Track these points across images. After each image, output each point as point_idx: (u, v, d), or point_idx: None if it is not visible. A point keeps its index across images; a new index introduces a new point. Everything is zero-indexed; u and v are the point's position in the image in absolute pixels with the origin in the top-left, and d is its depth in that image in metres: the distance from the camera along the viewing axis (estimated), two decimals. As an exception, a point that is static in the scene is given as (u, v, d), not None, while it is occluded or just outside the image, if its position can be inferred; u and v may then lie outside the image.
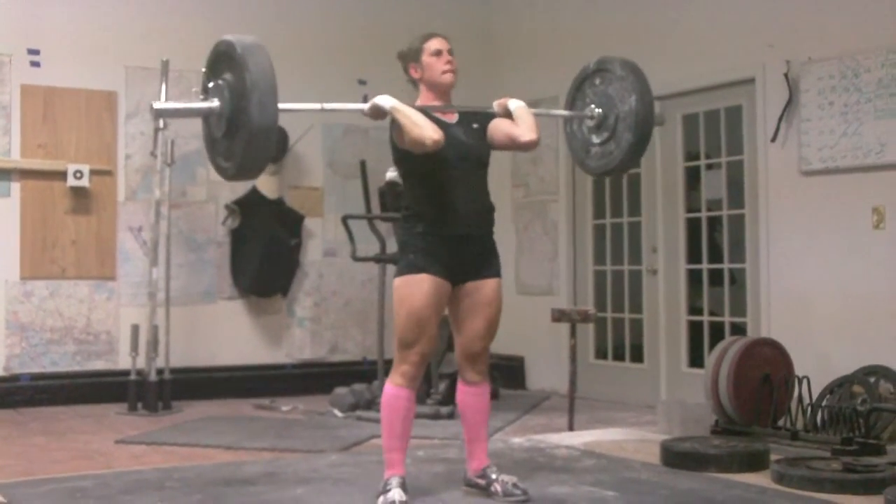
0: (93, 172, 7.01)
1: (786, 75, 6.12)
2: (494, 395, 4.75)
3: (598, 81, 4.47)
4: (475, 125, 3.98)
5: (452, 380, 6.78)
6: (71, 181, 6.92)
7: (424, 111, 3.84)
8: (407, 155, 3.82)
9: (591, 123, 4.48)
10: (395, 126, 3.79)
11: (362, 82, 7.88)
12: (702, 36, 6.73)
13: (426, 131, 3.69)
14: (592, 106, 4.46)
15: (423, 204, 3.88)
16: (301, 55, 7.65)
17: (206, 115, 3.75)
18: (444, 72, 3.92)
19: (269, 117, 3.52)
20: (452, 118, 3.96)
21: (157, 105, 3.82)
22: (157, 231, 6.82)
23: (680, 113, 6.99)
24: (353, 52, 7.93)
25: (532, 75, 7.79)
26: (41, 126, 6.97)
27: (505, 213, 7.74)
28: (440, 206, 3.85)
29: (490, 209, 3.98)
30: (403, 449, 3.84)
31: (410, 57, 3.96)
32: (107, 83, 7.18)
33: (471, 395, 4.00)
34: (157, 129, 6.86)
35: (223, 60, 3.67)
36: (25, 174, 6.89)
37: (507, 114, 4.04)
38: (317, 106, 3.90)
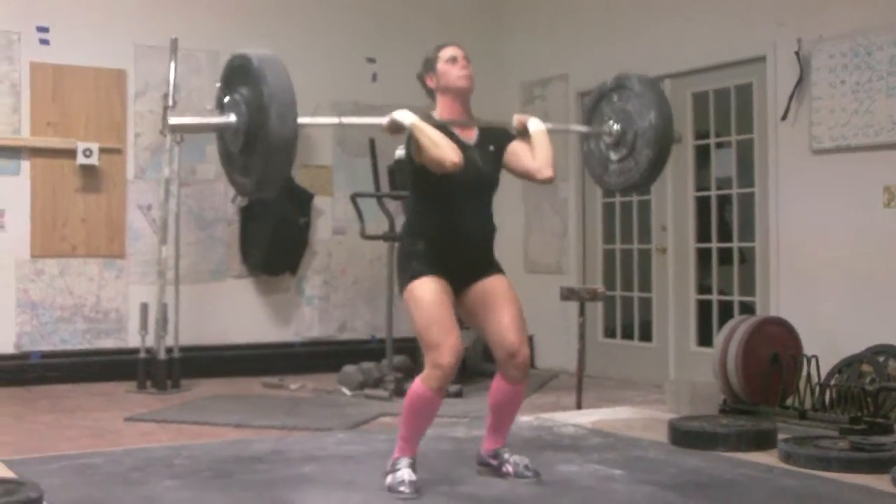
0: (102, 150, 7.01)
1: (797, 53, 6.08)
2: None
3: (615, 98, 4.45)
4: (492, 147, 3.92)
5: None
6: (80, 159, 6.93)
7: (444, 127, 3.80)
8: (422, 171, 3.77)
9: (609, 140, 4.46)
10: (414, 140, 3.74)
11: (371, 60, 7.88)
12: (712, 13, 6.69)
13: (447, 153, 3.64)
14: (611, 122, 4.44)
15: (426, 221, 3.83)
16: (310, 32, 7.65)
17: (222, 130, 3.72)
18: (460, 77, 3.86)
19: (288, 130, 3.47)
20: (471, 136, 3.89)
21: (173, 120, 3.76)
22: (166, 209, 6.83)
23: (690, 91, 6.95)
24: (361, 30, 7.92)
25: (541, 52, 7.76)
26: (51, 104, 6.97)
27: (514, 192, 7.74)
28: (444, 227, 3.80)
29: (492, 231, 3.93)
30: (419, 439, 3.82)
31: (426, 68, 3.92)
32: (116, 61, 7.17)
33: (508, 393, 3.88)
34: (166, 108, 6.84)
35: (238, 75, 3.63)
36: (35, 152, 6.90)
37: (525, 132, 4.01)
38: (335, 120, 3.86)
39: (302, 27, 7.63)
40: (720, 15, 6.63)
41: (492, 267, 3.92)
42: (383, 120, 3.79)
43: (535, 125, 4.02)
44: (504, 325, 3.81)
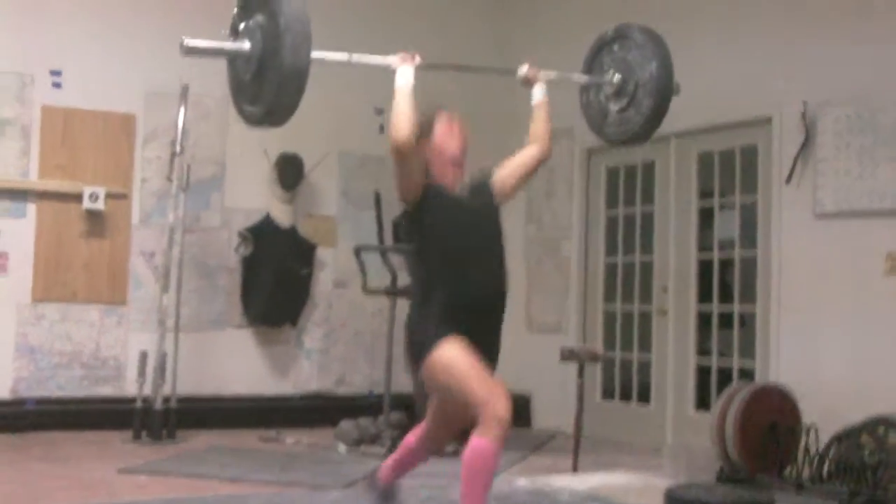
0: (108, 195, 7.03)
1: (803, 116, 6.09)
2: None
3: (616, 48, 4.44)
4: (483, 186, 3.96)
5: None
6: (87, 203, 6.94)
7: (439, 190, 3.82)
8: (421, 233, 3.78)
9: (609, 90, 4.46)
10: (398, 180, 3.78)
11: (380, 111, 7.90)
12: (719, 73, 6.70)
13: (401, 123, 3.67)
14: (612, 72, 4.43)
15: (435, 281, 3.74)
16: (320, 83, 7.67)
17: (235, 56, 3.73)
18: (454, 138, 3.89)
19: (301, 60, 3.50)
20: (464, 189, 3.92)
21: (189, 42, 3.77)
22: (169, 256, 6.82)
23: (695, 150, 6.96)
24: (370, 81, 7.96)
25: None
26: (60, 148, 7.00)
27: (517, 249, 7.73)
28: (454, 282, 3.72)
29: (505, 287, 3.86)
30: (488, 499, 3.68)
31: (421, 133, 3.90)
32: (126, 106, 7.21)
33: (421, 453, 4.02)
34: (173, 154, 6.87)
35: (256, 1, 3.65)
36: (42, 196, 6.92)
37: (528, 85, 4.16)
38: (345, 56, 3.90)
39: (311, 77, 7.65)
40: (727, 75, 6.65)
41: (493, 361, 3.79)
42: (392, 63, 3.85)
43: (539, 95, 4.15)
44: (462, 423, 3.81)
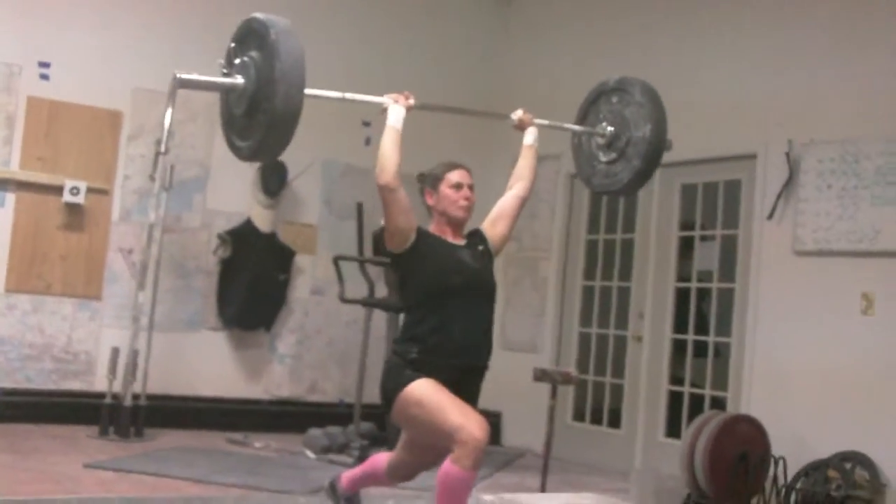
0: (89, 190, 6.98)
1: (787, 154, 6.15)
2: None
3: (615, 100, 4.45)
4: (480, 247, 3.94)
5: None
6: (67, 197, 6.90)
7: (433, 236, 3.83)
8: (410, 279, 3.78)
9: (601, 141, 4.47)
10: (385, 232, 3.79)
11: (366, 124, 7.90)
12: (707, 109, 6.75)
13: (385, 163, 3.70)
14: (605, 124, 4.45)
15: (421, 327, 3.72)
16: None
17: (228, 90, 3.73)
18: (460, 207, 3.87)
19: (293, 107, 3.49)
20: (460, 240, 3.92)
21: (181, 76, 3.77)
22: (147, 254, 6.77)
23: (679, 181, 7.01)
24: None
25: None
26: (43, 139, 6.95)
27: (495, 266, 7.70)
28: (440, 333, 3.69)
29: (489, 346, 3.84)
30: None
31: (429, 182, 3.94)
32: (113, 102, 7.16)
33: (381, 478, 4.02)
34: (157, 153, 6.82)
35: (254, 39, 3.63)
36: (22, 186, 6.86)
37: (521, 130, 4.21)
38: (338, 94, 3.91)
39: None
40: (715, 110, 6.71)
41: (477, 397, 3.81)
42: (385, 103, 3.88)
43: (530, 139, 4.18)
44: (426, 465, 3.89)
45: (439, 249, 3.82)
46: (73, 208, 6.98)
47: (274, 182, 7.47)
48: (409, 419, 3.67)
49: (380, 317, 6.81)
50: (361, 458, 6.04)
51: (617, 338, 7.33)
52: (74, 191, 6.93)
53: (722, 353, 6.64)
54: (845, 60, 5.99)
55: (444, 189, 3.88)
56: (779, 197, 6.19)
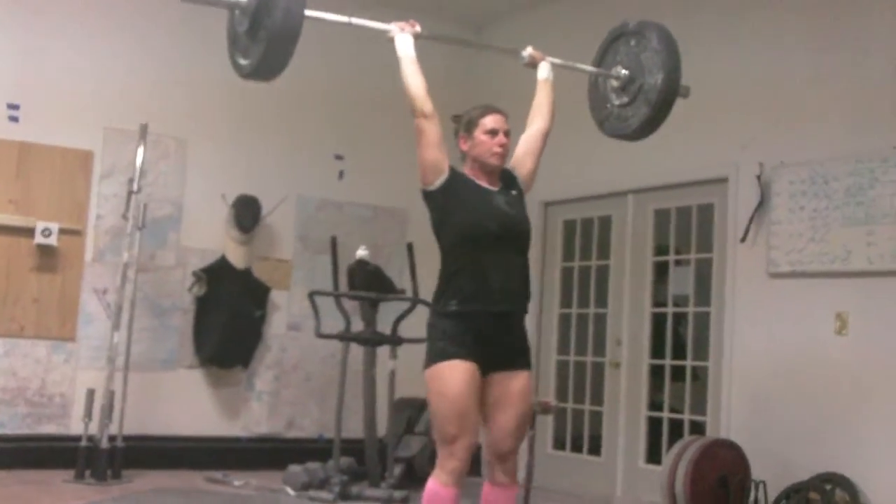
0: (62, 231, 6.94)
1: (758, 177, 6.18)
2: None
3: (632, 42, 4.42)
4: (514, 192, 3.84)
5: (408, 464, 6.71)
6: (39, 239, 6.85)
7: (467, 179, 3.76)
8: (446, 222, 3.69)
9: (615, 84, 4.46)
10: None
11: (339, 157, 7.89)
12: (678, 133, 6.71)
13: (413, 91, 3.69)
14: (620, 67, 4.44)
15: (459, 278, 3.62)
16: (280, 126, 7.68)
17: (231, 7, 3.73)
18: (494, 154, 3.77)
19: (292, 24, 3.52)
20: (495, 186, 3.81)
21: None
22: (122, 294, 6.73)
23: (652, 207, 7.03)
24: (330, 127, 7.97)
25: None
26: (14, 181, 6.91)
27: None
28: (477, 280, 3.61)
29: (527, 293, 3.75)
30: None
31: (463, 126, 3.84)
32: (84, 142, 7.14)
33: (500, 498, 3.74)
34: (130, 192, 6.81)
35: None
36: (-8, 229, 6.83)
37: (533, 66, 4.15)
38: (344, 19, 3.88)
39: (272, 121, 7.66)
40: (686, 135, 6.72)
41: (523, 357, 3.72)
42: (391, 31, 3.81)
43: (545, 72, 4.13)
44: (506, 428, 3.66)
45: (474, 193, 3.72)
46: (45, 250, 6.93)
47: (248, 218, 7.44)
48: (429, 396, 3.64)
49: (357, 351, 6.78)
50: (342, 495, 6.00)
51: (595, 365, 7.32)
52: (46, 232, 6.88)
53: (700, 377, 6.64)
54: (812, 82, 6.04)
55: (479, 135, 3.78)
56: (751, 220, 6.21)
